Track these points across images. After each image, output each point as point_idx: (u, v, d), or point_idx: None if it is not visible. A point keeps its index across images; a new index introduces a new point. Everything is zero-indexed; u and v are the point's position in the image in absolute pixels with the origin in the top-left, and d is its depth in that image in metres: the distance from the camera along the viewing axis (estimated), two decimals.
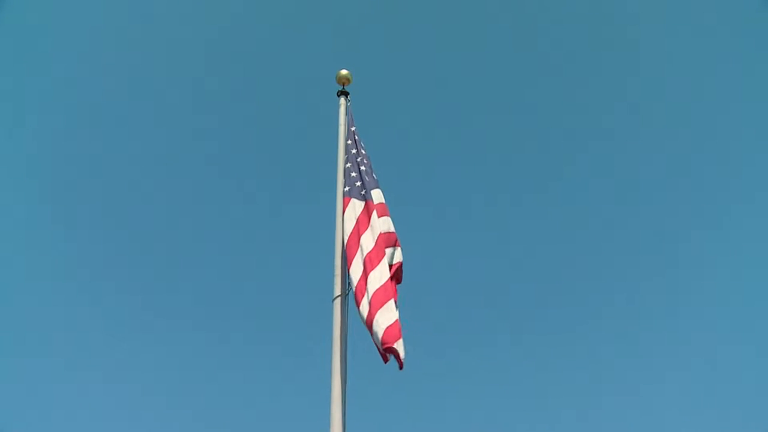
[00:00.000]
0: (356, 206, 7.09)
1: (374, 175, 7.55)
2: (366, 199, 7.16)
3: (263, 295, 19.84)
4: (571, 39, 21.99)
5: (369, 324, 5.82)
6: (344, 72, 8.67)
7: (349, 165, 7.63)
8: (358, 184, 7.36)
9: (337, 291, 6.62)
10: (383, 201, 7.22)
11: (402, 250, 6.83)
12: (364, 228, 6.83)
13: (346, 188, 7.34)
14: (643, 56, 21.05)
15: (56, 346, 16.68)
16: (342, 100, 8.54)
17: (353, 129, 8.15)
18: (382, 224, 6.86)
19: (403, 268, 6.75)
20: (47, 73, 19.09)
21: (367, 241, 6.63)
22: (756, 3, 17.47)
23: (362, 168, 7.54)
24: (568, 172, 21.44)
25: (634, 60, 21.20)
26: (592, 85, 21.90)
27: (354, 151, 7.79)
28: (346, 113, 8.38)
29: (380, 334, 5.63)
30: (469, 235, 21.25)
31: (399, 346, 5.57)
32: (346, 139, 8.02)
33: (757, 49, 18.06)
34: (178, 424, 16.08)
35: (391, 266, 6.52)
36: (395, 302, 6.09)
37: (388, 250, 6.65)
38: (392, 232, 6.90)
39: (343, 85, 8.65)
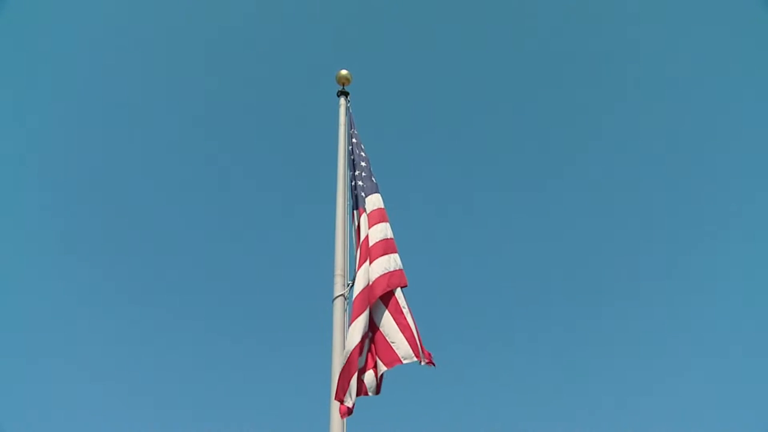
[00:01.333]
0: (356, 218, 7.15)
1: (373, 179, 7.44)
2: (359, 206, 7.16)
3: (263, 296, 19.89)
4: (571, 39, 22.01)
5: None
6: (344, 72, 8.64)
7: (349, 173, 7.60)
8: (355, 192, 7.35)
9: (337, 291, 6.62)
10: (381, 206, 7.07)
11: (403, 250, 6.80)
12: (358, 240, 6.86)
13: (350, 202, 7.37)
14: (643, 56, 21.07)
15: (56, 346, 16.71)
16: (342, 100, 8.52)
17: (352, 131, 8.08)
18: (379, 232, 6.75)
19: (405, 266, 6.67)
20: (47, 72, 19.13)
21: (358, 256, 6.66)
22: (756, 3, 17.48)
23: (360, 172, 7.48)
24: (569, 172, 21.48)
25: (633, 60, 21.23)
26: (591, 86, 21.93)
27: (352, 157, 7.73)
28: (346, 113, 8.36)
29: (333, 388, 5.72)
30: (470, 234, 21.29)
31: (349, 395, 5.57)
32: (347, 143, 7.95)
33: (757, 49, 18.09)
34: (177, 423, 16.13)
35: (386, 274, 6.40)
36: (367, 312, 6.02)
37: (382, 259, 6.51)
38: (390, 239, 6.74)
39: (343, 85, 8.63)
